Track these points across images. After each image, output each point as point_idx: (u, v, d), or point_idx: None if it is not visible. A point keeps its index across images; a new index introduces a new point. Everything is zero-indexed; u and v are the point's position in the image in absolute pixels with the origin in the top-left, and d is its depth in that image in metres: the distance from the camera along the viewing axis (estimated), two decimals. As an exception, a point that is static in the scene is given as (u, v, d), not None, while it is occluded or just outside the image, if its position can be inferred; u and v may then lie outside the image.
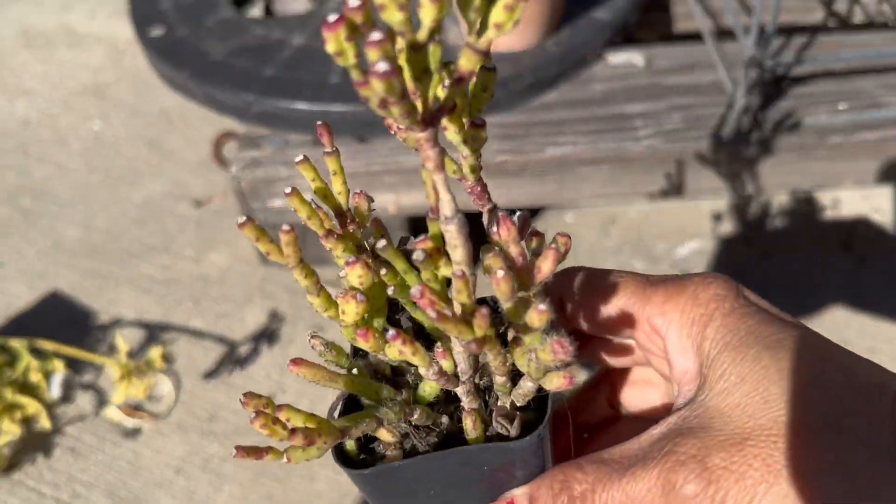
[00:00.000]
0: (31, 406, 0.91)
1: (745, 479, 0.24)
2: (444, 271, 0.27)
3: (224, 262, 1.10)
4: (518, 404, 0.29)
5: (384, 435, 0.30)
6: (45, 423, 0.91)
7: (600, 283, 0.31)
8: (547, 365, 0.26)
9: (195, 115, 1.35)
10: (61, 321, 1.04)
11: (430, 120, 0.23)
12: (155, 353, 0.87)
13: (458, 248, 0.24)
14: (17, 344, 0.93)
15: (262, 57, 0.84)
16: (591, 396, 0.37)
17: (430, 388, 0.30)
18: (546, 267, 0.25)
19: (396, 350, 0.26)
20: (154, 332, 1.02)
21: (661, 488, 0.26)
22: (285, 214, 0.82)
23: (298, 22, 0.88)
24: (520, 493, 0.29)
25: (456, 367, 0.29)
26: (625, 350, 0.34)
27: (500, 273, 0.24)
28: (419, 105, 0.22)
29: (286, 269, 0.29)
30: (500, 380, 0.29)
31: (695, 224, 1.10)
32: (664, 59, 0.84)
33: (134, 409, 0.93)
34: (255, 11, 0.97)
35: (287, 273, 1.07)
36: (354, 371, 0.30)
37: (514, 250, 0.25)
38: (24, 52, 1.54)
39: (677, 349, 0.29)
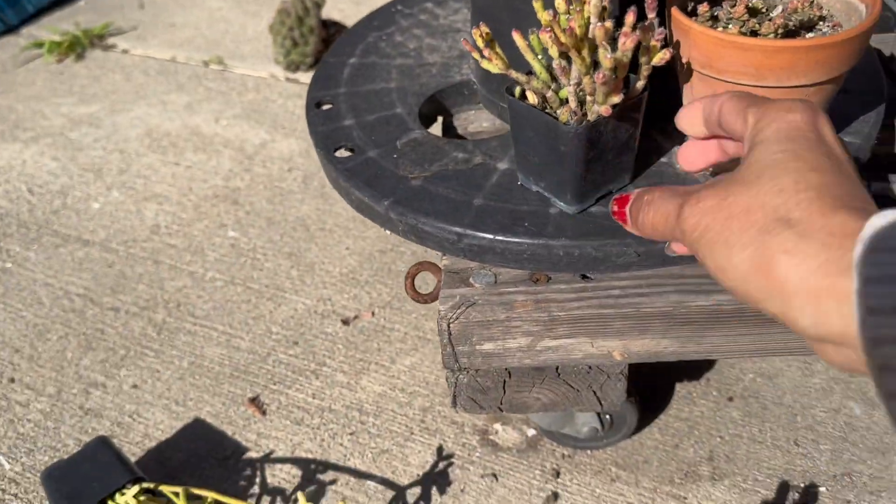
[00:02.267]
0: (183, 561, 0.81)
1: (729, 227, 0.33)
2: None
3: (378, 389, 1.01)
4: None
5: (530, 96, 0.61)
6: (199, 582, 0.80)
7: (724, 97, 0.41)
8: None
9: (334, 225, 1.29)
10: (207, 457, 0.95)
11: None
12: (337, 512, 0.77)
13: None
14: (171, 491, 0.83)
15: (467, 183, 0.76)
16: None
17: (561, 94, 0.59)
18: (628, 41, 0.52)
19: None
20: (311, 472, 0.92)
21: (678, 208, 0.36)
22: (493, 359, 0.72)
23: (499, 144, 0.81)
24: (634, 192, 0.43)
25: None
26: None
27: (599, 24, 0.51)
28: None
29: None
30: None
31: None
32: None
33: (296, 568, 0.82)
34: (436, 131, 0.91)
35: (450, 406, 0.97)
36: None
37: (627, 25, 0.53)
38: (151, 154, 1.51)
39: (749, 134, 0.37)
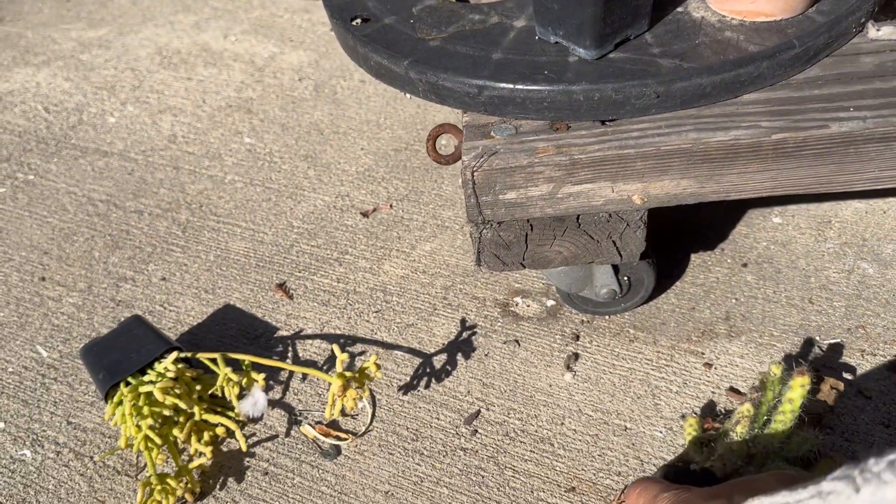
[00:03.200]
0: (223, 425, 0.85)
1: None
2: None
3: (400, 273, 1.04)
4: None
5: None
6: (240, 443, 0.84)
7: None
8: None
9: (348, 128, 1.31)
10: (239, 337, 0.98)
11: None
12: (369, 362, 0.80)
13: None
14: (208, 357, 0.87)
15: (485, 41, 0.77)
16: None
17: None
18: None
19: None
20: (341, 346, 0.95)
21: None
22: (516, 209, 0.74)
23: (515, 5, 0.82)
24: None
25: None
26: None
27: None
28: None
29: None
30: None
31: (923, 224, 1.00)
32: (932, 31, 0.75)
33: (330, 426, 0.86)
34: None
35: (472, 283, 1.00)
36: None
37: None
38: (162, 70, 1.52)
39: None
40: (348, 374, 0.78)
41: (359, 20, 0.84)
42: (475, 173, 0.71)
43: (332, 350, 0.94)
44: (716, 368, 0.86)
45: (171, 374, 0.84)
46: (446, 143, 1.19)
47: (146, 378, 0.85)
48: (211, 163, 1.27)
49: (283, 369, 0.92)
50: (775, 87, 0.72)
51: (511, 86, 0.71)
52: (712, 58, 0.70)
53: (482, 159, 0.71)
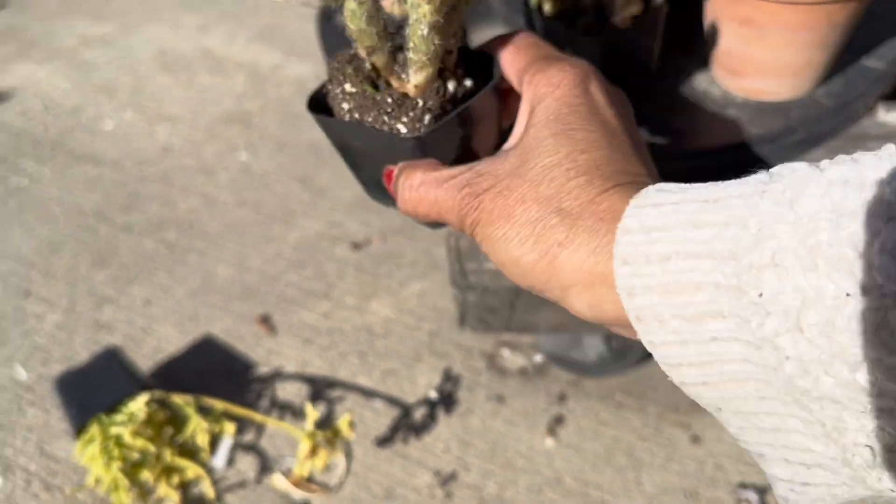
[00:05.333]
0: (192, 470, 0.83)
1: (492, 216, 0.32)
2: None
3: (387, 313, 1.01)
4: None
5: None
6: (207, 489, 0.82)
7: (515, 41, 0.38)
8: None
9: (346, 150, 1.28)
10: (216, 371, 0.96)
11: None
12: (343, 422, 0.78)
13: None
14: (181, 400, 0.85)
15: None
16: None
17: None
18: None
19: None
20: (320, 389, 0.93)
21: (446, 193, 0.33)
22: (503, 277, 0.72)
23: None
24: (396, 167, 0.36)
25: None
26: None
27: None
28: None
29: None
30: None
31: None
32: (944, 115, 0.72)
33: (303, 479, 0.84)
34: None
35: (460, 330, 0.98)
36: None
37: None
38: (163, 75, 1.49)
39: (522, 110, 0.36)
40: (319, 434, 0.76)
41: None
42: (460, 241, 0.69)
43: (309, 394, 0.92)
44: (703, 443, 0.84)
45: (141, 417, 0.82)
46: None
47: (118, 419, 0.83)
48: (204, 179, 1.25)
49: (271, 424, 0.90)
50: (779, 170, 0.69)
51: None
52: (710, 139, 0.66)
53: (469, 228, 0.68)
